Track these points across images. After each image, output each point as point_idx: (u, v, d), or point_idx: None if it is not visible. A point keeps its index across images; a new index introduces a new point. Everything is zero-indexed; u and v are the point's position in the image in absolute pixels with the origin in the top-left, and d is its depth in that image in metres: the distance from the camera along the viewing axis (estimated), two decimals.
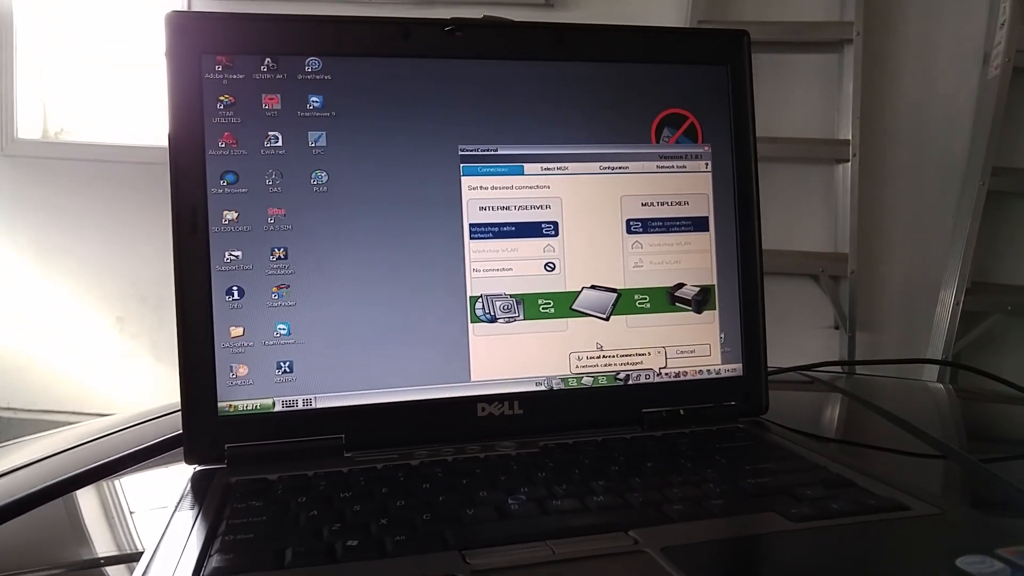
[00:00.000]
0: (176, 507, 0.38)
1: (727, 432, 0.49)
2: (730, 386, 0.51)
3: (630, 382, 0.50)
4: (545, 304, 0.48)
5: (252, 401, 0.44)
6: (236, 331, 0.44)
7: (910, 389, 0.92)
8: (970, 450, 0.52)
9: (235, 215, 0.44)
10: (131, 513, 0.44)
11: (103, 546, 0.40)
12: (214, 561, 0.31)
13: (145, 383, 2.08)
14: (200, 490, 0.40)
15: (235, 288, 0.44)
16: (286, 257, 0.45)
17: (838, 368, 1.44)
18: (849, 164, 1.78)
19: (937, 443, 0.51)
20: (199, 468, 0.43)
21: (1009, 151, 1.82)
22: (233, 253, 0.44)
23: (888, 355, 1.85)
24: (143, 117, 1.99)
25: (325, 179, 0.45)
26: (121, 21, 2.11)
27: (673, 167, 0.51)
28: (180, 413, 0.43)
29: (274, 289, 0.45)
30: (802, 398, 0.74)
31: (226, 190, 0.44)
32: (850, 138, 1.77)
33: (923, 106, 1.89)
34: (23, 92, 2.09)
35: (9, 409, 2.08)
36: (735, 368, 0.51)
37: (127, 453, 0.42)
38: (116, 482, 0.46)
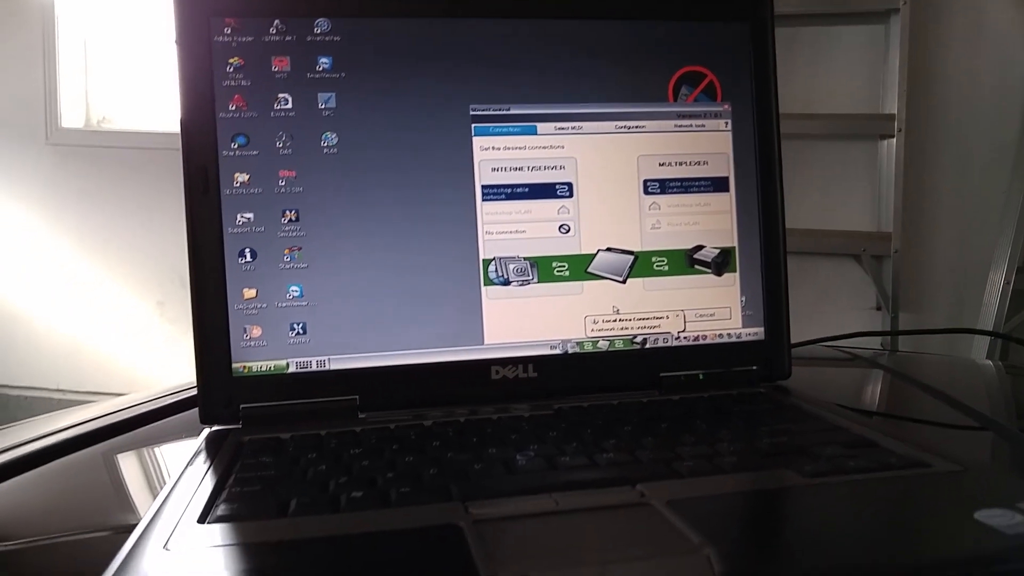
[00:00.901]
0: (189, 463, 0.39)
1: (747, 396, 0.48)
2: (751, 350, 0.50)
3: (647, 346, 0.49)
4: (560, 267, 0.48)
5: (266, 362, 0.45)
6: (249, 293, 0.44)
7: (953, 365, 0.88)
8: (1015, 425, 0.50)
9: (246, 177, 0.44)
10: (145, 471, 0.45)
11: (117, 504, 0.41)
12: (220, 509, 0.31)
13: (187, 366, 2.13)
14: (213, 448, 0.40)
15: (247, 250, 0.44)
16: (298, 219, 0.45)
17: (878, 345, 1.40)
18: (894, 140, 1.73)
19: (975, 413, 0.49)
20: (214, 428, 0.44)
21: None
22: (245, 215, 0.44)
23: (934, 341, 1.79)
24: None
25: (335, 141, 0.45)
26: (163, 9, 2.15)
27: (691, 126, 0.50)
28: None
29: (286, 251, 0.45)
30: (836, 372, 0.72)
31: (237, 152, 0.44)
32: (896, 112, 1.72)
33: (972, 79, 1.82)
34: (66, 82, 2.15)
35: (59, 391, 2.15)
36: (756, 332, 0.50)
37: (143, 412, 0.42)
38: (135, 447, 0.47)
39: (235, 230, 0.44)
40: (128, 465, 0.45)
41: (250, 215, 0.44)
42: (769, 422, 0.42)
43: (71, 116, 2.16)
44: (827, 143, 1.83)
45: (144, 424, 0.43)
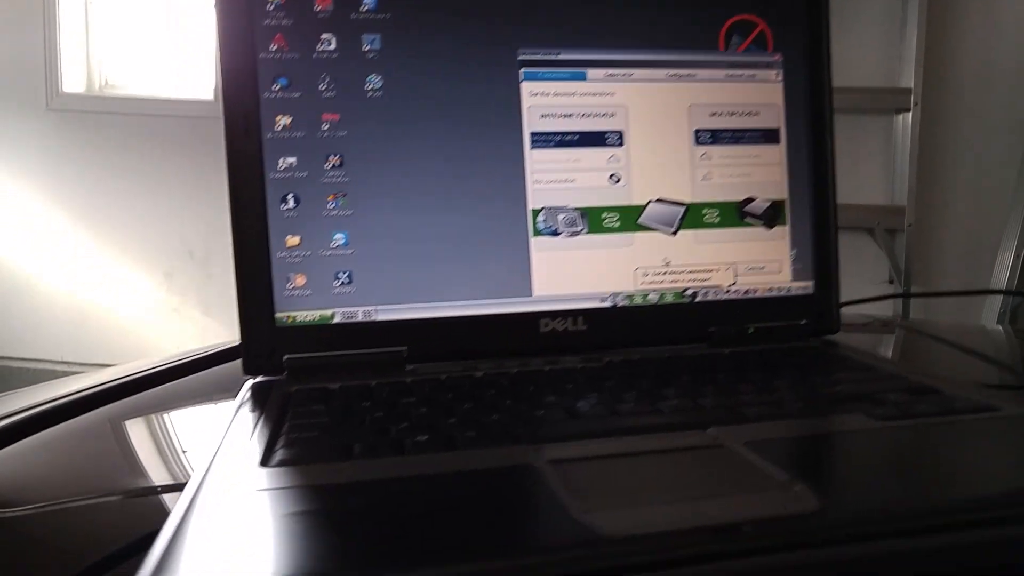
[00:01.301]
0: (236, 412, 0.38)
1: (799, 349, 0.47)
2: (801, 304, 0.49)
3: (697, 299, 0.48)
4: (610, 218, 0.46)
5: (311, 312, 0.43)
6: (292, 240, 0.43)
7: (974, 328, 0.88)
8: None
9: (288, 120, 0.43)
10: (190, 421, 0.44)
11: (166, 452, 0.40)
12: (280, 454, 0.30)
13: (194, 337, 2.12)
14: (260, 398, 0.39)
15: (290, 196, 0.43)
16: (342, 165, 0.43)
17: (889, 313, 1.39)
18: (910, 114, 1.71)
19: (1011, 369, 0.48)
20: (257, 380, 0.42)
21: None
22: (288, 160, 0.43)
23: (945, 311, 1.79)
24: (190, 70, 1.99)
25: (380, 84, 0.44)
26: None
27: (742, 76, 0.48)
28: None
29: (330, 198, 0.43)
30: (869, 336, 0.71)
31: (278, 94, 0.43)
32: (912, 86, 1.70)
33: (990, 54, 1.80)
34: (67, 44, 2.11)
35: (64, 362, 2.14)
36: (806, 286, 0.49)
37: (185, 361, 0.41)
38: (175, 399, 0.46)
39: (277, 175, 0.43)
40: (172, 415, 0.44)
41: (293, 159, 0.43)
42: (826, 372, 0.41)
43: (72, 81, 2.12)
44: (843, 116, 1.80)
45: (183, 375, 0.41)
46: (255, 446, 0.32)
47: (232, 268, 0.42)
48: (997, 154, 1.82)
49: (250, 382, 0.42)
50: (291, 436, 0.32)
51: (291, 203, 0.43)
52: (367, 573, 0.22)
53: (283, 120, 0.43)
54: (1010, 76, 1.80)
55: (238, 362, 0.43)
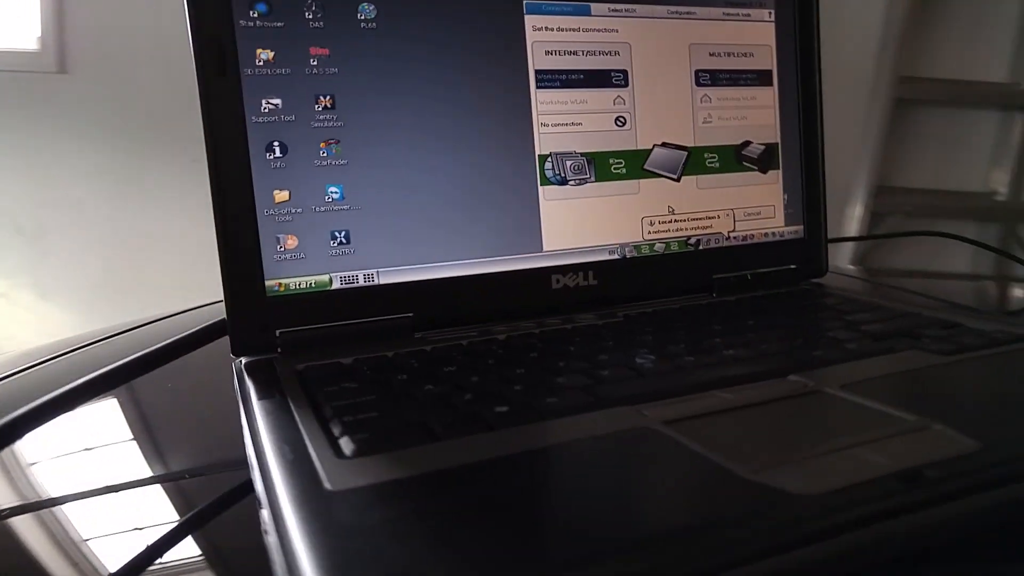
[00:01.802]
0: (247, 399, 0.32)
1: (803, 293, 0.47)
2: (793, 248, 0.49)
3: (701, 247, 0.46)
4: (616, 164, 0.44)
5: (305, 278, 0.38)
6: (281, 195, 0.37)
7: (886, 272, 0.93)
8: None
9: (271, 55, 0.37)
10: (186, 411, 0.37)
11: (174, 447, 0.34)
12: (351, 443, 0.26)
13: (28, 325, 1.89)
14: (266, 381, 0.34)
15: (276, 144, 0.37)
16: (334, 107, 0.38)
17: None
18: None
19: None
20: (249, 360, 0.37)
21: (914, 61, 1.89)
22: (272, 101, 0.37)
23: None
24: (6, 14, 1.73)
25: (374, 14, 0.38)
26: None
27: (738, 15, 0.47)
28: (219, 304, 0.37)
29: (322, 145, 0.38)
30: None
31: (257, 23, 0.36)
32: None
33: (833, 16, 1.92)
34: None
35: None
36: (797, 230, 0.49)
37: (165, 344, 0.35)
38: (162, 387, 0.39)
39: (260, 119, 0.37)
40: (164, 406, 0.37)
41: (277, 101, 0.37)
42: (845, 313, 0.41)
43: None
44: None
45: (162, 363, 0.35)
46: (310, 437, 0.27)
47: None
48: (839, 108, 1.96)
49: (242, 362, 0.36)
50: (345, 420, 0.28)
51: (277, 152, 0.37)
52: (552, 572, 0.18)
53: (264, 54, 0.36)
54: (852, 35, 1.92)
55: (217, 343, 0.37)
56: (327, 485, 0.23)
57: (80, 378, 0.31)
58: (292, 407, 0.30)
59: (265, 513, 0.23)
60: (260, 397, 0.31)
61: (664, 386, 0.30)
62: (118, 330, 0.49)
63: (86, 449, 0.35)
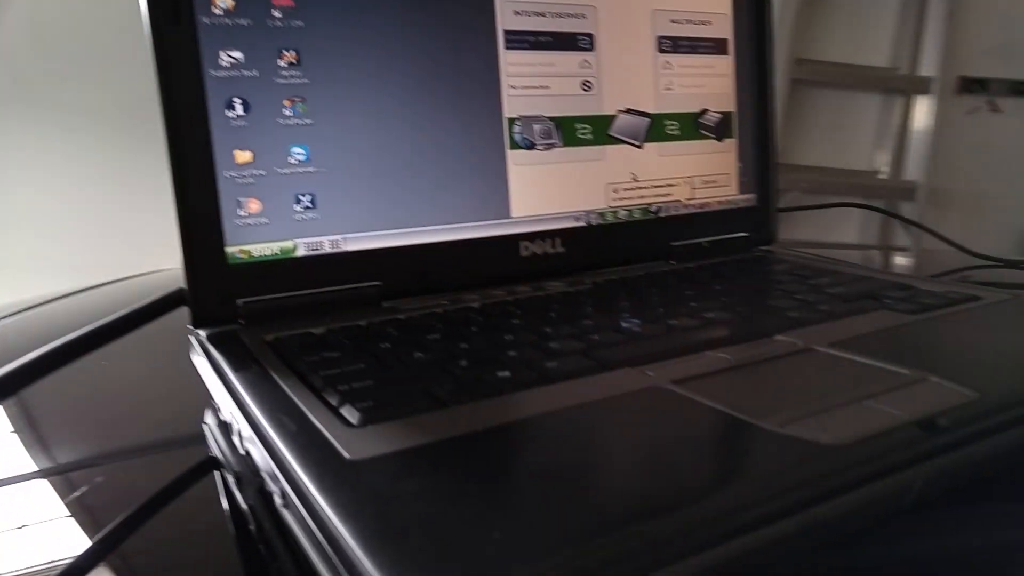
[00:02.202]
0: (219, 372, 0.30)
1: (756, 259, 0.48)
2: (746, 216, 0.50)
3: (661, 214, 0.47)
4: (583, 129, 0.43)
5: (269, 244, 0.35)
6: (243, 156, 0.35)
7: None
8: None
9: (230, 3, 0.34)
10: (152, 384, 0.34)
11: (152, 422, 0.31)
12: (356, 412, 0.24)
13: None
14: (237, 352, 0.32)
15: (237, 100, 0.34)
16: (299, 63, 0.35)
17: None
18: None
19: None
20: (209, 331, 0.34)
21: (808, 44, 1.98)
22: (232, 54, 0.34)
23: None
24: None
25: None
26: None
27: None
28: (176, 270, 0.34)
29: (286, 103, 0.35)
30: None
31: None
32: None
33: None
34: None
35: None
36: (750, 198, 0.50)
37: (118, 317, 0.32)
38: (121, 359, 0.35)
39: (220, 73, 0.34)
40: (126, 378, 0.34)
41: (238, 55, 0.34)
42: (808, 278, 0.42)
43: None
44: None
45: (118, 335, 0.32)
46: (308, 408, 0.25)
47: None
48: None
49: (202, 335, 0.34)
50: (341, 390, 0.26)
51: (239, 109, 0.34)
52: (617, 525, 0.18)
53: (223, 2, 0.34)
54: None
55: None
56: (346, 455, 0.21)
57: (24, 357, 0.28)
58: (276, 378, 0.28)
59: (275, 486, 0.22)
60: (236, 369, 0.29)
61: (659, 348, 0.30)
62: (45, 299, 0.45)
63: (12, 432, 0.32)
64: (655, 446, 0.23)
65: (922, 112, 1.95)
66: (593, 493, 0.20)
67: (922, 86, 1.93)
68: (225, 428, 0.29)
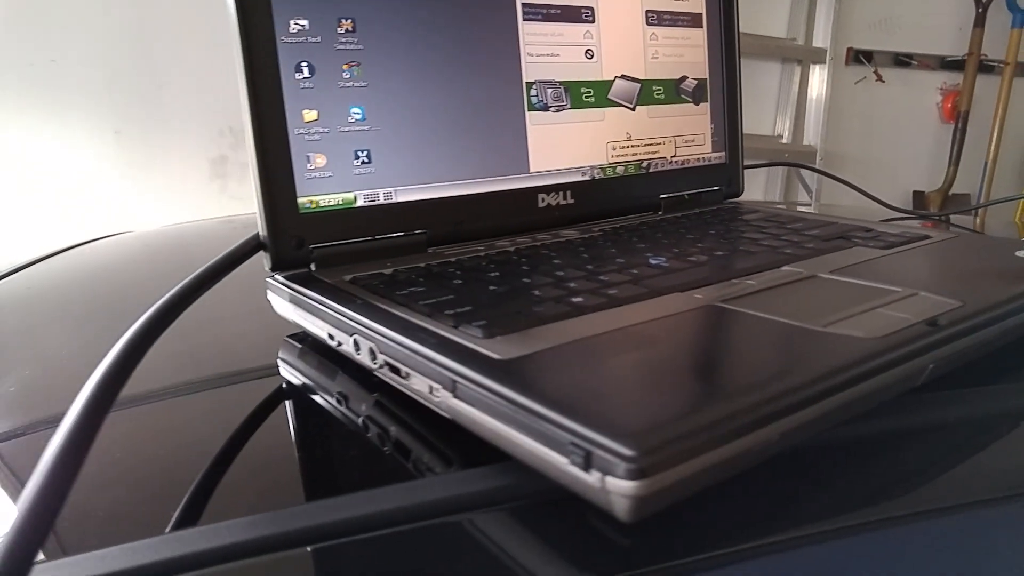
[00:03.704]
0: (312, 308, 0.34)
1: (729, 209, 0.55)
2: (718, 172, 0.57)
3: (651, 170, 0.52)
4: (587, 93, 0.48)
5: (333, 195, 0.39)
6: (310, 115, 0.38)
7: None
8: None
9: None
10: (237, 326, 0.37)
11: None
12: (475, 330, 0.29)
13: None
14: (331, 289, 0.35)
15: (304, 64, 0.37)
16: (354, 30, 0.39)
17: None
18: None
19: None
20: (288, 273, 0.37)
21: None
22: (299, 22, 0.37)
23: None
24: None
25: None
26: None
27: None
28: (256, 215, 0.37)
29: (344, 67, 0.39)
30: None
31: None
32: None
33: None
34: None
35: None
36: (721, 156, 0.57)
37: (204, 271, 0.34)
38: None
39: (289, 39, 0.37)
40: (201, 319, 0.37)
41: (304, 22, 0.37)
42: (785, 224, 0.49)
43: None
44: None
45: (206, 288, 0.34)
46: (433, 325, 0.29)
47: None
48: None
49: (279, 279, 0.37)
50: (448, 313, 0.31)
51: (306, 72, 0.37)
52: (747, 391, 0.23)
53: None
54: None
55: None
56: (496, 356, 0.26)
57: (147, 313, 0.31)
58: (384, 307, 0.32)
59: (441, 389, 0.26)
60: (340, 302, 0.33)
61: (694, 278, 0.36)
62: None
63: None
64: (739, 343, 0.28)
65: (817, 81, 2.10)
66: (719, 371, 0.25)
67: (818, 56, 2.07)
68: (325, 353, 0.33)
